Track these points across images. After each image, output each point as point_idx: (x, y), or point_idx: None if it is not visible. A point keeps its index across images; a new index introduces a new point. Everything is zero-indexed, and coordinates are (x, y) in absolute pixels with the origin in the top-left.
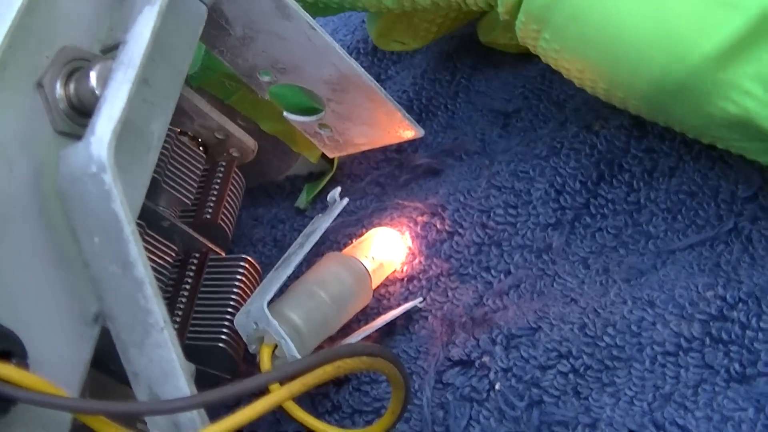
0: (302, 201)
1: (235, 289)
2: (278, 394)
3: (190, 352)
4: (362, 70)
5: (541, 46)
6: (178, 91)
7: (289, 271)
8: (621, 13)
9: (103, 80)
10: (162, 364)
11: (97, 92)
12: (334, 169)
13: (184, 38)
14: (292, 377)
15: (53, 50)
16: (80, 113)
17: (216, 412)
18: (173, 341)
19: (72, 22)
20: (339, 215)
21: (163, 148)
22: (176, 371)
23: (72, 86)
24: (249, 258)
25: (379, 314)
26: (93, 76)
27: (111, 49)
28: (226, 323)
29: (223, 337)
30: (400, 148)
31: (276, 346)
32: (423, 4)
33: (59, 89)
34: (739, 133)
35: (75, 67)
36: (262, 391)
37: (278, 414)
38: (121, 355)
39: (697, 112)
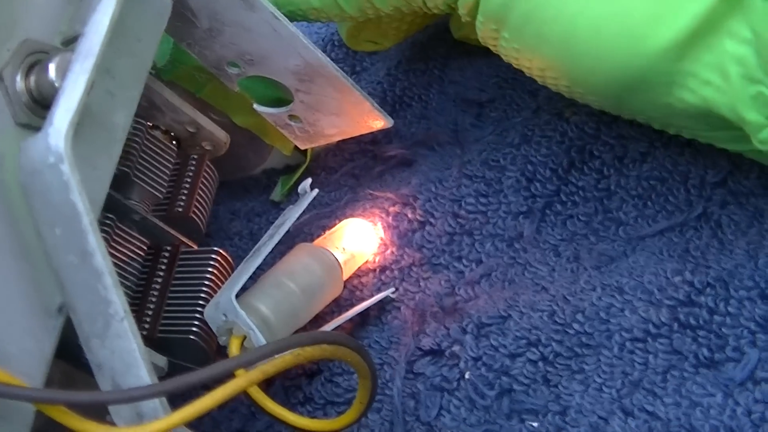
0: (277, 194)
1: (206, 282)
2: (236, 382)
3: (162, 345)
4: (327, 59)
5: (501, 46)
6: (143, 83)
7: (258, 261)
8: (576, 8)
9: (63, 72)
10: (123, 354)
11: (56, 84)
12: (308, 161)
13: (148, 30)
14: (252, 364)
15: (14, 43)
16: (41, 105)
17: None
18: (134, 331)
19: (33, 14)
20: (313, 207)
21: (134, 141)
22: (137, 361)
23: (32, 79)
24: (220, 250)
25: (352, 305)
26: (52, 68)
27: (71, 41)
28: (198, 315)
29: (195, 329)
30: (375, 139)
31: (245, 338)
32: (386, 11)
33: (20, 82)
34: (702, 123)
35: (36, 59)
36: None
37: (253, 407)
38: (84, 346)
39: (658, 103)
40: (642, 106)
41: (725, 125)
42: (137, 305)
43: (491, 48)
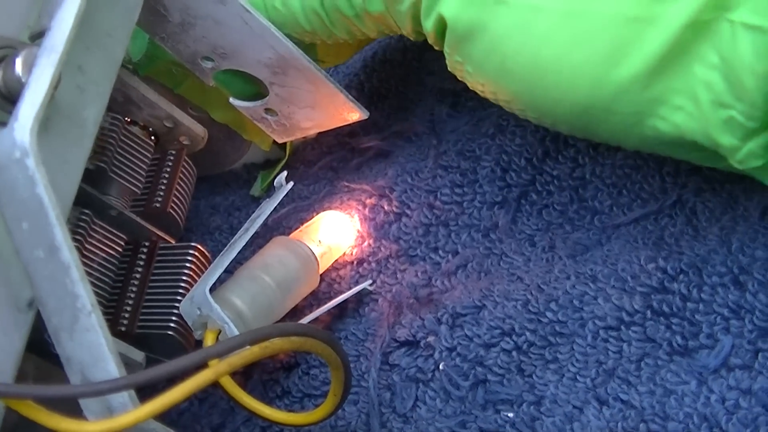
0: (256, 189)
1: (184, 277)
2: (204, 374)
3: (141, 340)
4: (300, 51)
5: (466, 79)
6: (113, 78)
7: (233, 255)
8: (537, 42)
9: (29, 67)
10: (91, 348)
11: (22, 79)
12: (288, 155)
13: (118, 24)
14: (221, 356)
15: None
16: (9, 101)
17: None
18: (101, 325)
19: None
20: (292, 200)
21: (111, 137)
22: (105, 355)
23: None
24: (198, 245)
25: (330, 298)
26: (19, 63)
27: (39, 36)
28: (176, 311)
29: (173, 324)
30: (353, 131)
31: (220, 332)
32: (372, 36)
33: None
34: (675, 148)
35: (2, 54)
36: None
37: (231, 402)
38: (53, 340)
39: (628, 133)
40: (613, 135)
41: (699, 147)
42: (115, 301)
43: (458, 77)
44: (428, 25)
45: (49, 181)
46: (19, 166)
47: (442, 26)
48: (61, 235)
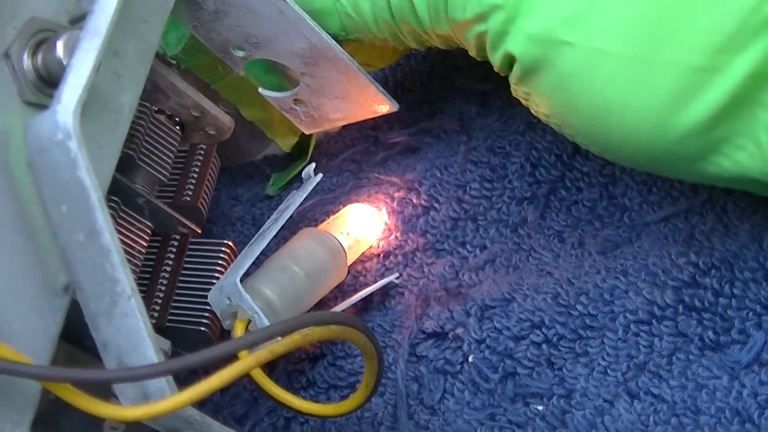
0: (270, 189)
1: (216, 275)
2: (244, 362)
3: (169, 334)
4: (334, 42)
5: (532, 109)
6: (149, 65)
7: (262, 246)
8: (601, 84)
9: (70, 50)
10: (129, 333)
11: (64, 62)
12: (308, 159)
13: (154, 11)
14: (259, 345)
15: (20, 21)
16: (48, 84)
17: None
18: (141, 310)
19: None
20: (317, 193)
21: (138, 125)
22: (144, 340)
23: (39, 57)
24: (230, 243)
25: (356, 291)
26: (60, 46)
27: (79, 20)
28: (209, 307)
29: (205, 321)
30: (375, 125)
31: (250, 321)
32: (441, 47)
33: (26, 60)
34: (737, 183)
35: (43, 37)
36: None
37: (255, 392)
38: (90, 325)
39: (690, 170)
40: (674, 172)
41: (760, 182)
42: (144, 293)
43: (523, 104)
44: (495, 58)
45: (90, 164)
46: (60, 149)
47: (509, 61)
48: (102, 219)
